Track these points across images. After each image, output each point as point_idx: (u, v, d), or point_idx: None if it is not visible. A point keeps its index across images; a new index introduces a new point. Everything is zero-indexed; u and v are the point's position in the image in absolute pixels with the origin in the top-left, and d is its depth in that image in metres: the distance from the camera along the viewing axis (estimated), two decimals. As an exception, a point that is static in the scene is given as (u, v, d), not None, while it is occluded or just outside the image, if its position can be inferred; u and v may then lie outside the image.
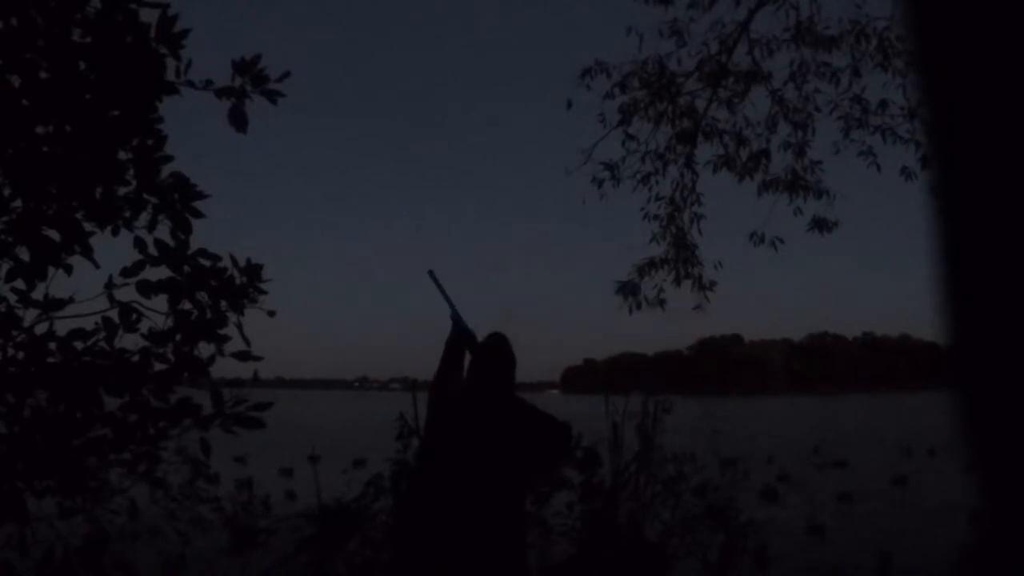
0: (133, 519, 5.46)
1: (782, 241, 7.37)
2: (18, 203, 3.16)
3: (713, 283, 7.42)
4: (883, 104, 7.01)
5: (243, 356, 3.38)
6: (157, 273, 3.28)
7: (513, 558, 3.10)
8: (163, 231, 3.32)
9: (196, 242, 3.33)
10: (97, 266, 3.30)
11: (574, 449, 3.63)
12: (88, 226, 3.25)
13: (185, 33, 3.22)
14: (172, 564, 6.49)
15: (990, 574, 0.71)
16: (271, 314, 3.43)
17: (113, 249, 3.34)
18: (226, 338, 3.35)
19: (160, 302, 3.29)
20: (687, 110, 7.45)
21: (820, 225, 7.37)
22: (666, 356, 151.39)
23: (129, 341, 3.29)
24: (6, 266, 3.17)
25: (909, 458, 21.03)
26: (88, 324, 3.27)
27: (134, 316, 3.29)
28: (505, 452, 3.09)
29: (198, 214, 3.35)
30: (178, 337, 3.30)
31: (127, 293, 3.29)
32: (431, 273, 3.61)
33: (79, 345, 3.25)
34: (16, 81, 3.07)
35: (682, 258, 7.43)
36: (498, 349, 3.31)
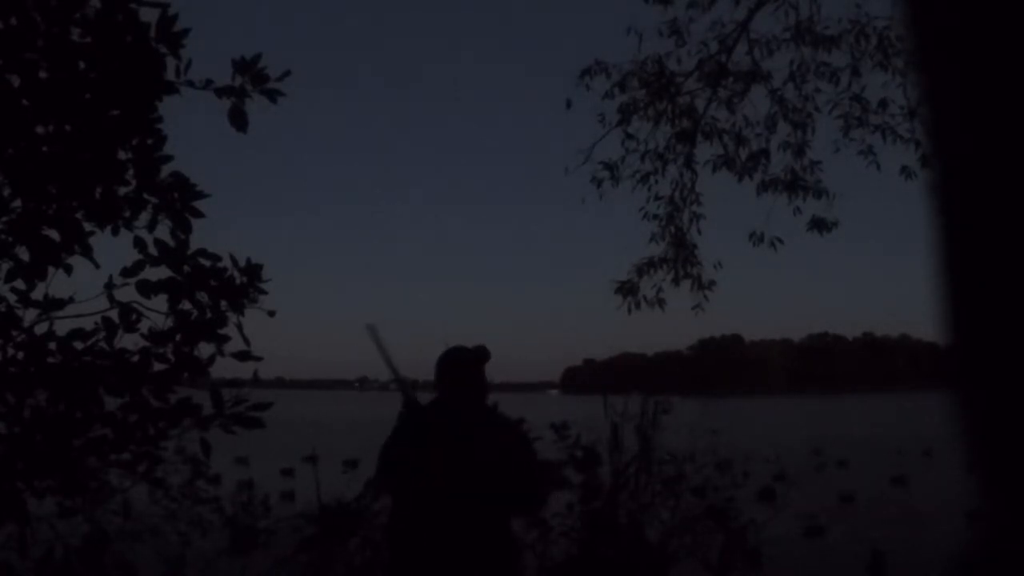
0: (127, 518, 5.47)
1: (782, 241, 7.37)
2: (18, 203, 3.16)
3: (712, 283, 7.42)
4: (883, 104, 7.01)
5: (243, 356, 3.38)
6: (157, 273, 3.28)
7: (507, 556, 3.10)
8: (163, 231, 3.32)
9: (196, 242, 3.33)
10: (97, 266, 3.30)
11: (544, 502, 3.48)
12: (88, 226, 3.25)
13: (185, 33, 3.22)
14: (172, 564, 6.49)
15: (990, 575, 0.71)
16: (271, 314, 3.43)
17: (113, 249, 3.34)
18: (226, 338, 3.35)
19: (160, 302, 3.29)
20: (686, 110, 7.45)
21: (820, 225, 7.37)
22: (666, 356, 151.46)
23: (129, 341, 3.29)
24: (6, 266, 3.17)
25: (908, 459, 21.04)
26: (88, 324, 3.27)
27: (134, 316, 3.29)
28: (494, 464, 3.05)
29: (198, 214, 3.35)
30: (178, 337, 3.30)
31: (127, 293, 3.30)
32: (371, 328, 3.25)
33: (79, 345, 3.25)
34: (16, 81, 3.07)
35: (681, 258, 7.42)
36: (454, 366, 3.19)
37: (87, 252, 3.25)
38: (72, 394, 3.20)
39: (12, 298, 3.20)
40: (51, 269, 3.20)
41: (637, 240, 7.54)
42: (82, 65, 3.14)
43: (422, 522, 3.04)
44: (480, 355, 3.19)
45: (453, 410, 3.14)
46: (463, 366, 3.17)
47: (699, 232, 7.48)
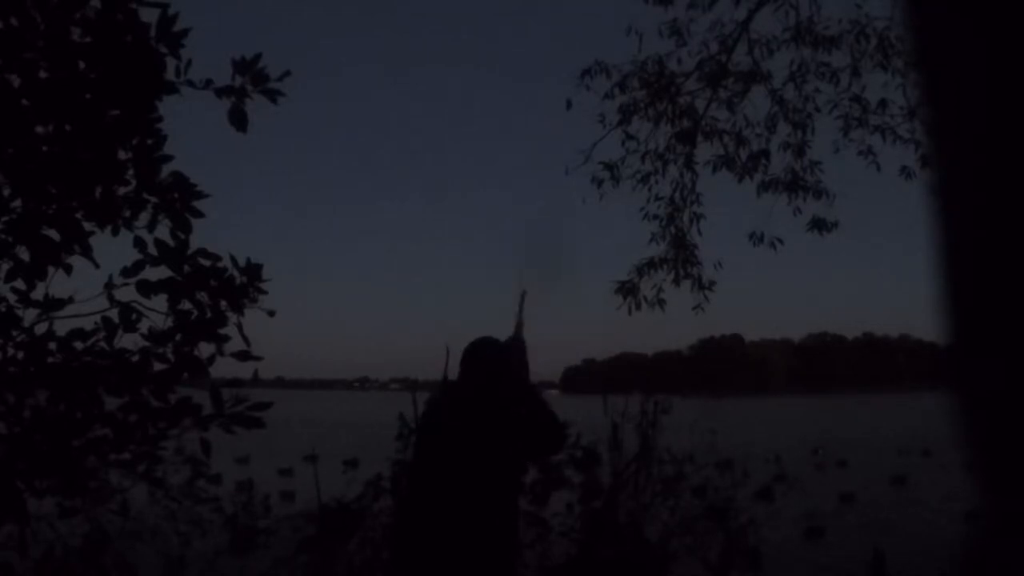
0: (125, 517, 5.47)
1: (782, 241, 7.37)
2: (18, 203, 3.15)
3: (713, 283, 7.42)
4: (883, 104, 7.02)
5: (243, 356, 3.37)
6: (157, 273, 3.28)
7: (508, 556, 3.11)
8: (163, 231, 3.32)
9: (196, 242, 3.33)
10: (97, 266, 3.30)
11: (563, 446, 3.60)
12: (88, 226, 3.25)
13: (185, 32, 3.22)
14: (172, 564, 6.49)
15: (989, 575, 0.71)
16: (271, 314, 3.43)
17: (113, 249, 3.34)
18: (226, 338, 3.34)
19: (160, 302, 3.29)
20: (687, 110, 7.45)
21: (820, 225, 7.38)
22: (666, 356, 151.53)
23: (129, 341, 3.29)
24: (6, 266, 3.17)
25: (908, 459, 21.05)
26: (88, 324, 3.27)
27: (134, 316, 3.28)
28: (491, 454, 3.09)
29: (198, 214, 3.34)
30: (178, 337, 3.30)
31: (127, 293, 3.29)
32: (524, 294, 3.58)
33: (79, 345, 3.24)
34: (16, 81, 3.07)
35: (682, 258, 7.42)
36: (496, 353, 3.31)
37: (87, 252, 3.24)
38: (72, 394, 3.20)
39: (12, 298, 3.20)
40: (51, 269, 3.20)
41: (637, 240, 7.55)
42: (82, 65, 3.13)
43: (424, 521, 3.05)
44: (488, 349, 3.27)
45: (455, 398, 3.21)
46: (468, 357, 3.27)
47: (699, 232, 7.49)
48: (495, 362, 3.26)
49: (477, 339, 3.33)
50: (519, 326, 3.47)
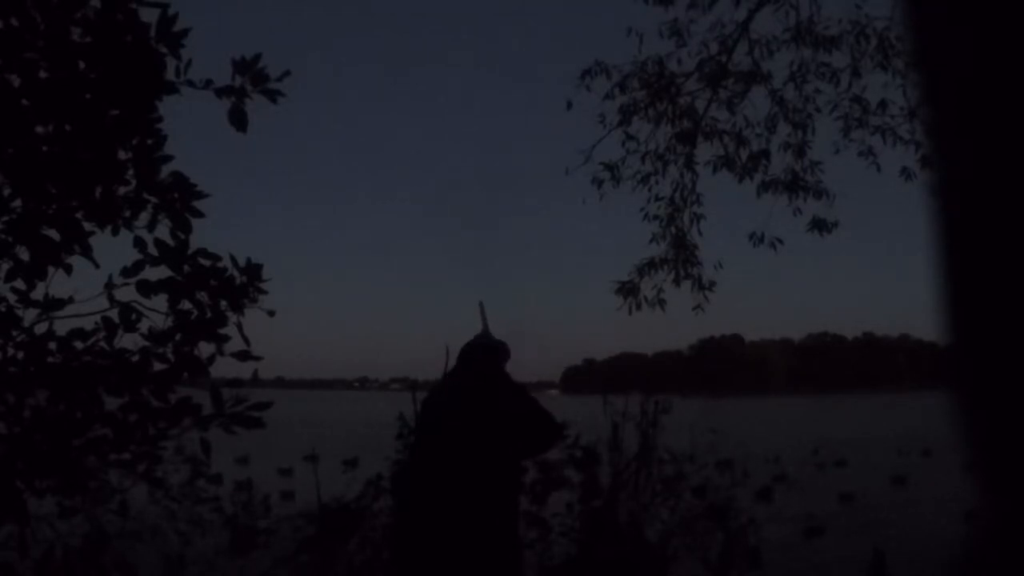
0: (125, 517, 5.48)
1: (782, 241, 7.37)
2: (18, 203, 3.15)
3: (713, 283, 7.42)
4: (883, 104, 7.01)
5: (243, 356, 3.37)
6: (157, 273, 3.28)
7: (509, 555, 3.11)
8: (163, 231, 3.32)
9: (196, 242, 3.33)
10: (97, 266, 3.30)
11: (560, 442, 3.68)
12: (88, 226, 3.25)
13: (185, 32, 3.22)
14: (172, 564, 6.49)
15: (989, 574, 0.71)
16: (271, 314, 3.43)
17: (113, 249, 3.34)
18: (226, 338, 3.35)
19: (160, 302, 3.29)
20: (687, 110, 7.45)
21: (820, 225, 7.37)
22: (666, 356, 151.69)
23: (129, 341, 3.29)
24: (6, 266, 3.17)
25: (908, 459, 21.06)
26: (88, 324, 3.27)
27: (134, 316, 3.29)
28: (491, 453, 3.11)
29: (198, 214, 3.35)
30: (178, 337, 3.30)
31: (127, 293, 3.30)
32: (481, 304, 3.63)
33: (79, 345, 3.25)
34: (16, 81, 3.07)
35: (682, 258, 7.42)
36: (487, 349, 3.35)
37: (87, 252, 3.25)
38: (72, 394, 3.20)
39: (12, 298, 3.20)
40: (51, 269, 3.20)
41: (638, 241, 7.56)
42: (82, 65, 3.13)
43: (424, 520, 3.05)
44: (483, 350, 3.30)
45: (453, 398, 3.24)
46: (463, 358, 3.30)
47: (700, 233, 7.49)
48: (490, 363, 3.28)
49: (472, 340, 3.35)
50: (485, 330, 3.53)
